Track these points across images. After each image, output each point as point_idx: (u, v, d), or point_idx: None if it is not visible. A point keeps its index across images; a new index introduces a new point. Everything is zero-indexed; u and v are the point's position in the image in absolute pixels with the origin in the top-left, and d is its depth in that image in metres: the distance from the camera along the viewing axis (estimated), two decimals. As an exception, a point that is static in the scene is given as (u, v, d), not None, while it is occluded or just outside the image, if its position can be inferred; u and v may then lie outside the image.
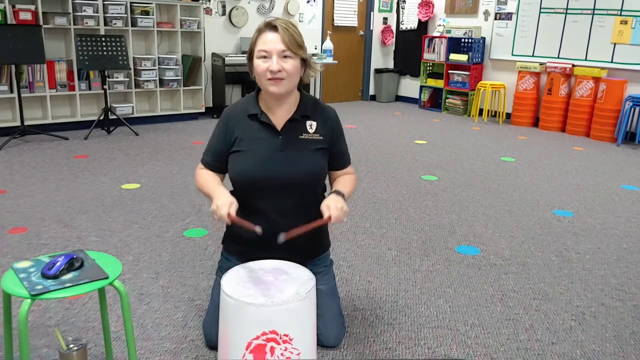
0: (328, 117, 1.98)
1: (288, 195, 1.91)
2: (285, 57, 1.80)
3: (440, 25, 7.66)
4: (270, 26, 1.81)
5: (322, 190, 2.02)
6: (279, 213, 1.91)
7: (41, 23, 5.13)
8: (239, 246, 2.00)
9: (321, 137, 1.95)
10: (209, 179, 1.94)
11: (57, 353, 1.90)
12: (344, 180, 2.03)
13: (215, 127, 2.00)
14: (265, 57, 1.80)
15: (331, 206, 1.78)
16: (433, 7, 7.84)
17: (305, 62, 1.88)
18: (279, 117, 1.92)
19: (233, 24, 6.77)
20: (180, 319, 2.18)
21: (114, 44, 5.36)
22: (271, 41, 1.79)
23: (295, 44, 1.81)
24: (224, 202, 1.73)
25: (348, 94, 8.48)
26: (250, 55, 1.87)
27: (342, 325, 2.05)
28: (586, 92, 6.16)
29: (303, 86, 1.98)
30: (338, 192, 1.89)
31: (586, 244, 3.09)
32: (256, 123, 1.91)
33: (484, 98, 7.14)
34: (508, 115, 7.18)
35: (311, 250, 2.05)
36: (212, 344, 1.95)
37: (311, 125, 1.94)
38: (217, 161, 1.97)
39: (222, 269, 2.04)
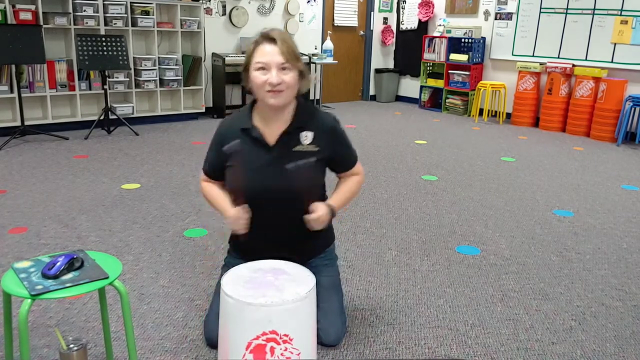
0: (325, 126, 1.95)
1: (283, 208, 1.91)
2: (283, 69, 1.79)
3: (440, 25, 7.66)
4: (268, 38, 1.81)
5: (319, 199, 1.99)
6: (276, 225, 1.94)
7: (41, 23, 5.13)
8: (248, 245, 2.01)
9: (317, 148, 1.92)
10: (216, 195, 2.01)
11: (57, 353, 1.90)
12: (345, 187, 2.04)
13: (212, 140, 2.03)
14: (263, 68, 1.80)
15: (318, 220, 1.87)
16: (433, 7, 7.84)
17: (302, 74, 1.87)
18: (275, 129, 1.91)
19: (233, 24, 6.77)
20: (180, 319, 2.18)
21: (114, 44, 5.36)
22: (269, 53, 1.79)
23: (293, 56, 1.81)
24: (234, 218, 1.88)
25: (348, 94, 8.48)
26: (247, 67, 1.86)
27: (342, 323, 2.05)
28: (586, 92, 6.16)
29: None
30: (329, 206, 1.92)
31: (586, 244, 3.09)
32: (249, 137, 1.91)
33: (484, 98, 7.14)
34: (508, 115, 7.18)
35: (316, 245, 2.09)
36: (213, 344, 1.95)
37: (306, 136, 1.92)
38: (215, 172, 2.02)
39: (226, 267, 2.08)
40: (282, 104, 1.84)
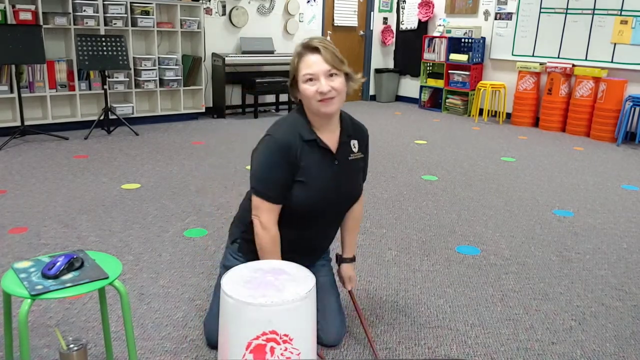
0: (364, 134, 2.02)
1: (337, 214, 1.99)
2: (331, 75, 1.79)
3: (440, 25, 7.66)
4: (310, 48, 1.80)
5: None
6: (324, 231, 2.01)
7: (41, 23, 5.12)
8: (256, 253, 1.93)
9: (363, 155, 2.00)
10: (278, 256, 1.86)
11: (57, 353, 1.90)
12: (354, 229, 2.11)
13: (269, 158, 1.80)
14: (311, 79, 1.78)
15: (352, 278, 2.11)
16: (433, 7, 7.84)
17: (348, 76, 1.87)
18: (329, 139, 1.89)
19: (233, 24, 6.77)
20: (180, 319, 2.18)
21: (114, 44, 5.36)
22: (315, 63, 1.78)
23: (338, 61, 1.80)
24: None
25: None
26: (294, 81, 1.84)
27: (342, 322, 2.05)
28: (586, 92, 6.16)
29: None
30: (353, 260, 2.11)
31: (586, 244, 3.09)
32: (315, 149, 1.85)
33: (484, 98, 7.14)
34: (508, 115, 7.18)
35: (325, 251, 2.17)
36: (213, 344, 1.95)
37: (354, 145, 1.96)
38: (283, 193, 1.82)
39: (226, 267, 2.04)
40: (336, 110, 1.83)
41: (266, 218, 1.81)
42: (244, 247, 2.03)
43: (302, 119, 1.85)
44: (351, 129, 1.96)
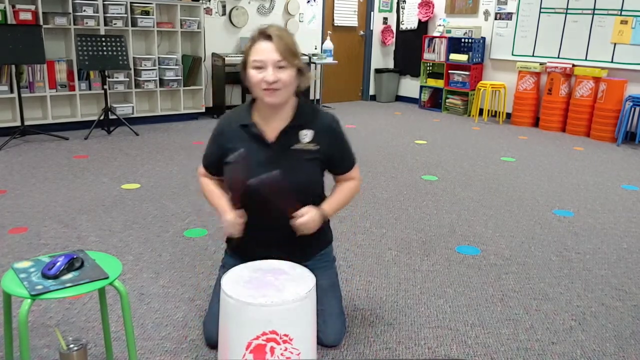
0: (325, 125, 1.93)
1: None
2: (280, 67, 1.76)
3: (440, 25, 7.66)
4: (264, 35, 1.77)
5: (318, 199, 1.99)
6: (271, 224, 1.92)
7: (41, 23, 5.12)
8: (242, 245, 2.01)
9: (317, 147, 1.91)
10: (213, 193, 2.02)
11: (57, 353, 1.90)
12: (340, 192, 2.01)
13: (211, 134, 2.04)
14: (260, 67, 1.77)
15: (306, 221, 1.85)
16: (433, 7, 7.84)
17: (300, 71, 1.85)
18: (274, 126, 1.90)
19: (233, 24, 6.77)
20: (180, 319, 2.18)
21: (114, 44, 5.36)
22: (265, 50, 1.76)
23: (290, 54, 1.77)
24: (230, 224, 1.89)
25: (348, 94, 8.48)
26: (244, 65, 1.83)
27: (342, 325, 2.04)
28: (586, 92, 6.16)
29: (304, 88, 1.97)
30: (320, 210, 1.90)
31: (586, 244, 3.09)
32: (249, 134, 1.90)
33: (484, 98, 7.14)
34: (508, 115, 7.18)
35: (312, 247, 2.06)
36: (213, 344, 1.95)
37: (306, 135, 1.91)
38: (214, 167, 2.03)
39: (225, 267, 2.08)
40: (279, 102, 1.83)
41: (203, 179, 2.08)
42: (232, 245, 2.09)
43: (248, 105, 1.96)
44: (307, 119, 1.91)
